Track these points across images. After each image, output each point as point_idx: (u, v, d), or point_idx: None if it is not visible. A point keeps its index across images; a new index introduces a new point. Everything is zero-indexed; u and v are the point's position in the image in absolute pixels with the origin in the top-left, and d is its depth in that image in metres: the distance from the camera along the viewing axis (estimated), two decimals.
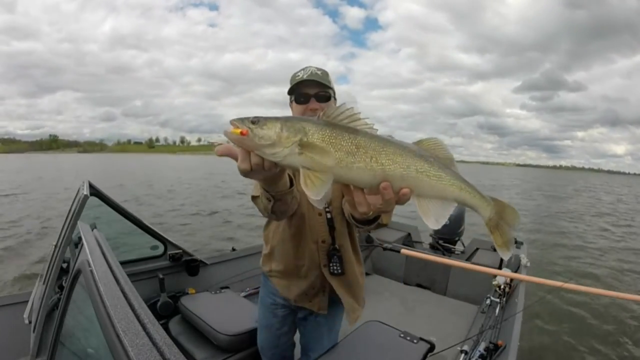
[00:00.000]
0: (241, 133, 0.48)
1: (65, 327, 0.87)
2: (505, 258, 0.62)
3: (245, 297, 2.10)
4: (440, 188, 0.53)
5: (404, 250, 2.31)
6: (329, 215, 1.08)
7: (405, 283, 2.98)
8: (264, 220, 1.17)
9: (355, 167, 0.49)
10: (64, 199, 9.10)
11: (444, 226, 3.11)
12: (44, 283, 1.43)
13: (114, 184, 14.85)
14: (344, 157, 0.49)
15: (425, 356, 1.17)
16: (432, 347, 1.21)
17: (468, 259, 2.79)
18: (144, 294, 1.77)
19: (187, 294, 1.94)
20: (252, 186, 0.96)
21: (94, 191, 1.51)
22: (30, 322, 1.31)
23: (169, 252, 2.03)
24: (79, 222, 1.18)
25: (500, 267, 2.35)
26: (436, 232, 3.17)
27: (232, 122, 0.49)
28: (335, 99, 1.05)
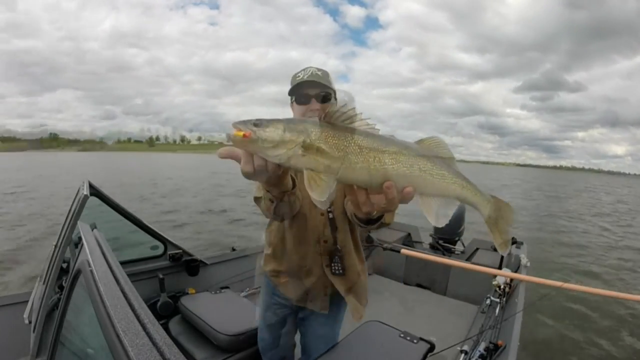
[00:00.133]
0: (244, 136, 0.48)
1: (65, 327, 0.87)
2: (504, 254, 0.64)
3: (245, 297, 2.10)
4: (443, 186, 0.54)
5: (404, 250, 2.31)
6: (330, 216, 1.08)
7: (405, 283, 2.99)
8: (266, 220, 1.17)
9: (359, 167, 0.50)
10: (64, 198, 9.12)
11: (444, 226, 3.12)
12: (44, 283, 1.44)
13: (118, 183, 14.84)
14: (347, 157, 0.49)
15: (425, 356, 1.17)
16: (432, 347, 1.21)
17: (468, 259, 2.79)
18: (144, 294, 1.78)
19: (187, 294, 1.94)
20: (255, 186, 0.97)
21: (94, 191, 1.51)
22: (30, 322, 1.32)
23: (169, 252, 2.03)
24: (79, 222, 1.18)
25: (500, 267, 2.36)
26: (436, 232, 3.17)
27: (235, 125, 0.50)
28: (336, 99, 1.05)
